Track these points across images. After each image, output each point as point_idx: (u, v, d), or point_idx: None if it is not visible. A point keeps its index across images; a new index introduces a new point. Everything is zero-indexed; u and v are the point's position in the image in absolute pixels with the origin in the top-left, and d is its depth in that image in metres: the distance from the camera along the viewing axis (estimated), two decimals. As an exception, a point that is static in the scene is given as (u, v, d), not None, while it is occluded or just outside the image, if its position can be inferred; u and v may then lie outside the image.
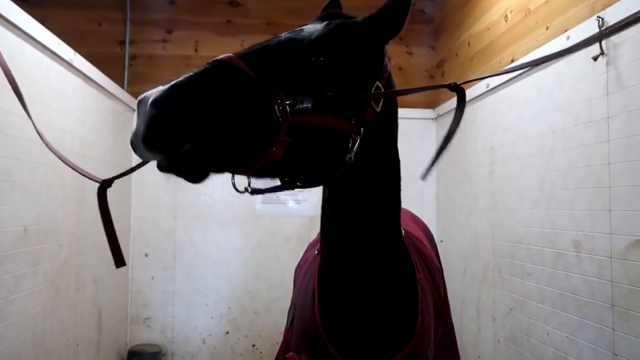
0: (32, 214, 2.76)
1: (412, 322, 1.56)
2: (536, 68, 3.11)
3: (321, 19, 1.40)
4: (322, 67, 1.22)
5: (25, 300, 2.68)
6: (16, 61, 2.56)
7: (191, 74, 1.10)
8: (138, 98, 1.07)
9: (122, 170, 1.47)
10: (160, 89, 1.05)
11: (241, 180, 1.29)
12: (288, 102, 1.13)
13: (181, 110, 1.03)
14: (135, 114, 1.10)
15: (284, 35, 1.27)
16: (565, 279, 2.77)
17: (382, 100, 1.36)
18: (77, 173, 1.55)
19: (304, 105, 1.15)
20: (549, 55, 1.60)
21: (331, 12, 1.49)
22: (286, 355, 1.62)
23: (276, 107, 1.12)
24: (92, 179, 1.52)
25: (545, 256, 2.98)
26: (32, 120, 1.78)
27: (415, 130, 5.09)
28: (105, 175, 1.52)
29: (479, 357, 3.95)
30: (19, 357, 2.62)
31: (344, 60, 1.26)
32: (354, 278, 1.46)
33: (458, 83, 1.38)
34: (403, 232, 1.70)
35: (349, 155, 1.28)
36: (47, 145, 1.69)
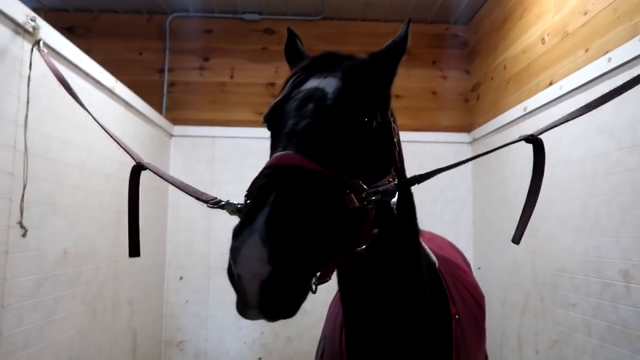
0: (72, 236, 2.83)
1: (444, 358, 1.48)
2: (577, 90, 3.02)
3: (315, 62, 1.29)
4: (365, 125, 1.17)
5: (63, 322, 2.73)
6: (62, 89, 2.66)
7: (270, 199, 0.93)
8: (230, 255, 0.91)
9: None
10: (253, 242, 0.88)
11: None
12: (373, 190, 1.09)
13: (289, 257, 0.89)
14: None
15: (310, 106, 1.14)
16: (614, 310, 2.62)
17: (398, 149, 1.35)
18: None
19: (388, 186, 1.14)
20: (613, 91, 1.42)
21: (318, 56, 1.36)
22: None
23: (356, 198, 1.05)
24: (132, 157, 1.62)
25: (591, 286, 2.83)
26: (88, 112, 2.01)
27: (450, 154, 5.01)
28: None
29: (521, 391, 3.76)
30: (55, 379, 2.65)
31: (371, 108, 1.20)
32: (374, 320, 1.39)
33: (534, 134, 1.31)
34: (437, 262, 1.64)
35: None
36: (103, 127, 1.89)
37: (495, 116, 4.37)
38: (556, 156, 3.28)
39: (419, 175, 1.28)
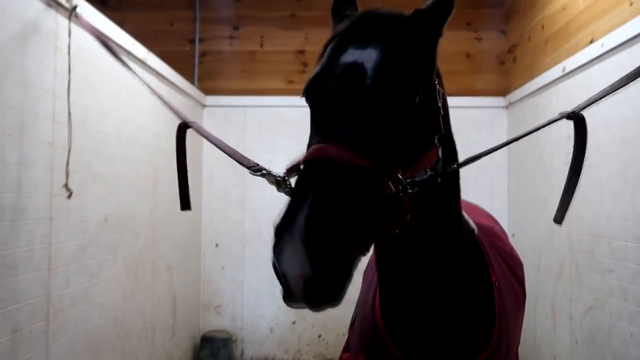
0: (112, 203, 2.95)
1: (488, 329, 1.44)
2: (620, 47, 2.87)
3: (354, 26, 1.21)
4: (408, 103, 1.11)
5: (107, 284, 2.88)
6: (96, 61, 2.74)
7: (310, 197, 0.96)
8: (273, 256, 0.95)
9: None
10: (295, 244, 0.92)
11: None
12: (409, 181, 1.08)
13: (330, 256, 0.92)
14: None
15: (349, 86, 1.09)
16: (652, 276, 2.55)
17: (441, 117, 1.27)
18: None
19: (424, 177, 1.12)
20: None
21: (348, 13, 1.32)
22: (342, 356, 1.60)
23: (394, 186, 1.05)
24: (178, 115, 1.70)
25: (629, 251, 2.76)
26: (130, 69, 2.09)
27: (486, 119, 4.88)
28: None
29: (555, 357, 3.75)
30: (102, 337, 2.82)
31: (413, 82, 1.13)
32: (412, 285, 1.37)
33: (575, 111, 1.25)
34: (476, 229, 1.60)
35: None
36: (148, 86, 2.03)
37: (532, 78, 4.21)
38: (595, 118, 3.16)
39: (462, 161, 1.25)
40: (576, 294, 3.40)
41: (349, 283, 0.99)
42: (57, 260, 2.37)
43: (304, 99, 1.20)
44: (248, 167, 1.36)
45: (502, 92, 4.95)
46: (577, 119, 1.25)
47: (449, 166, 1.23)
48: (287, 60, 5.10)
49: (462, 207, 1.81)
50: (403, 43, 1.16)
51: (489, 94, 4.97)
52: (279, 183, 1.19)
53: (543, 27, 4.13)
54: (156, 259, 3.68)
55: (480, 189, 4.83)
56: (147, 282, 3.50)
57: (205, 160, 4.90)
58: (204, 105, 4.99)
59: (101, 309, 2.81)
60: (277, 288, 0.97)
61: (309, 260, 0.90)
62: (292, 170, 1.11)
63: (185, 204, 1.60)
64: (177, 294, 4.17)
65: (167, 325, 3.94)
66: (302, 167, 1.06)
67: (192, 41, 5.16)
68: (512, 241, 3.74)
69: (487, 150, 1.27)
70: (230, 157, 1.46)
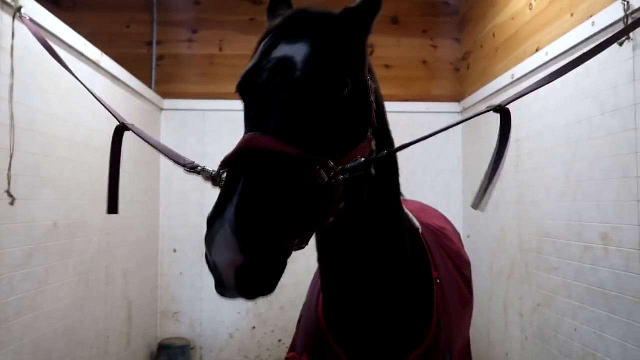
0: (62, 209, 2.87)
1: (425, 324, 1.48)
2: (562, 56, 3.02)
3: (286, 23, 1.25)
4: (337, 94, 1.14)
5: (56, 292, 2.79)
6: (46, 62, 2.66)
7: (239, 187, 0.97)
8: (206, 241, 0.96)
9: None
10: (224, 233, 0.93)
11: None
12: (340, 168, 1.09)
13: (260, 244, 0.93)
14: (205, 235, 0.98)
15: (279, 79, 1.12)
16: (593, 273, 2.68)
17: (374, 115, 1.30)
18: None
19: (355, 164, 1.13)
20: (584, 55, 1.45)
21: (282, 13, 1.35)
22: (287, 356, 1.61)
23: (325, 174, 1.07)
24: (116, 118, 1.65)
25: (572, 250, 2.89)
26: (73, 75, 2.00)
27: (441, 124, 4.92)
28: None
29: (507, 354, 3.87)
30: (51, 347, 2.73)
31: (342, 75, 1.17)
32: (350, 281, 1.40)
33: (501, 104, 1.32)
34: (421, 228, 1.64)
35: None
36: (87, 89, 1.93)
37: (484, 85, 4.36)
38: (542, 123, 3.30)
39: (389, 150, 1.28)
40: (526, 291, 3.52)
41: (282, 273, 1.00)
42: (0, 267, 2.28)
43: (237, 94, 1.23)
44: (183, 166, 1.36)
45: (457, 97, 5.10)
46: (502, 112, 1.30)
47: (381, 153, 1.26)
48: (246, 64, 5.04)
49: (416, 209, 1.85)
50: (332, 38, 1.20)
51: (445, 99, 5.11)
52: (214, 179, 1.19)
53: (494, 35, 4.29)
54: (110, 266, 3.58)
55: (436, 192, 4.96)
56: (100, 289, 3.40)
57: (163, 165, 4.83)
58: (161, 109, 4.92)
59: (49, 317, 2.72)
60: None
61: (239, 248, 0.91)
62: (225, 164, 1.10)
63: (112, 207, 1.57)
64: (133, 302, 4.07)
65: (122, 333, 3.84)
66: (232, 158, 1.05)
67: (150, 44, 5.08)
68: (468, 242, 3.85)
69: (411, 142, 1.27)
70: (166, 156, 1.46)
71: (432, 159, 4.98)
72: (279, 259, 0.97)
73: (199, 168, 1.31)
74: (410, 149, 1.28)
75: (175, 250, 4.90)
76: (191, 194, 4.89)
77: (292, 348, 1.69)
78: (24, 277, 2.47)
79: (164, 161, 4.80)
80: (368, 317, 1.42)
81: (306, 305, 1.73)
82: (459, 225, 4.02)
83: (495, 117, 1.36)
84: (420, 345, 1.45)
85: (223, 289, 0.97)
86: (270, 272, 0.97)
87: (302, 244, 1.11)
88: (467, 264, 2.11)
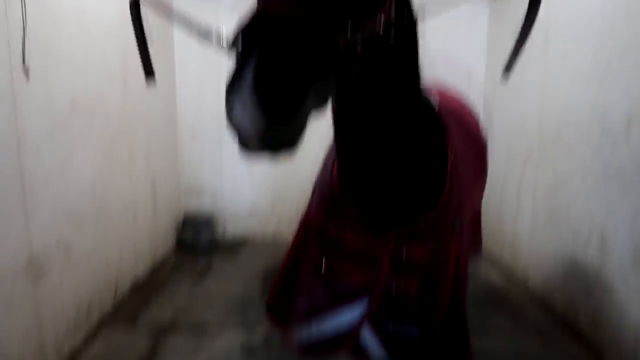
0: (79, 86, 2.87)
1: (438, 190, 1.56)
2: None
3: None
4: None
5: (81, 165, 2.89)
6: None
7: (257, 51, 0.94)
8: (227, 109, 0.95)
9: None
10: (245, 95, 0.92)
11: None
12: (360, 33, 1.07)
13: (280, 103, 0.93)
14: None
15: None
16: (612, 155, 2.66)
17: None
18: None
19: (375, 26, 1.09)
20: None
21: None
22: (305, 217, 1.64)
23: (344, 38, 1.05)
24: None
25: (593, 135, 2.85)
26: None
27: (466, 13, 4.71)
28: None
29: (516, 233, 4.01)
30: (83, 212, 2.91)
31: None
32: (364, 142, 1.43)
33: None
34: (438, 105, 1.64)
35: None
36: None
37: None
38: (575, 9, 3.07)
39: (408, 14, 1.22)
40: (541, 175, 3.55)
41: (303, 130, 1.01)
42: (26, 140, 2.35)
43: None
44: (201, 34, 1.31)
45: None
46: None
47: (405, 15, 1.23)
48: None
49: (438, 90, 1.82)
50: None
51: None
52: (232, 43, 1.17)
53: None
54: (132, 145, 3.67)
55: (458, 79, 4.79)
56: (123, 165, 3.52)
57: (177, 46, 4.72)
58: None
59: (78, 186, 2.86)
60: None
61: (259, 104, 0.91)
62: (242, 28, 1.07)
63: (149, 76, 1.56)
64: (156, 178, 4.23)
65: (147, 205, 4.05)
66: (249, 22, 1.02)
67: None
68: (486, 127, 3.79)
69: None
70: (181, 24, 1.40)
71: (456, 48, 4.75)
72: (300, 114, 0.97)
73: (215, 33, 1.27)
74: (433, 38, 1.22)
75: (194, 131, 4.98)
76: (207, 75, 4.82)
77: (308, 211, 1.80)
78: (50, 149, 2.56)
79: (177, 44, 4.70)
80: (383, 180, 1.50)
81: (320, 175, 1.80)
82: (479, 112, 3.94)
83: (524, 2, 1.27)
84: (433, 209, 1.55)
85: (246, 145, 1.00)
86: (291, 127, 0.97)
87: (322, 102, 1.10)
88: (482, 142, 2.12)
